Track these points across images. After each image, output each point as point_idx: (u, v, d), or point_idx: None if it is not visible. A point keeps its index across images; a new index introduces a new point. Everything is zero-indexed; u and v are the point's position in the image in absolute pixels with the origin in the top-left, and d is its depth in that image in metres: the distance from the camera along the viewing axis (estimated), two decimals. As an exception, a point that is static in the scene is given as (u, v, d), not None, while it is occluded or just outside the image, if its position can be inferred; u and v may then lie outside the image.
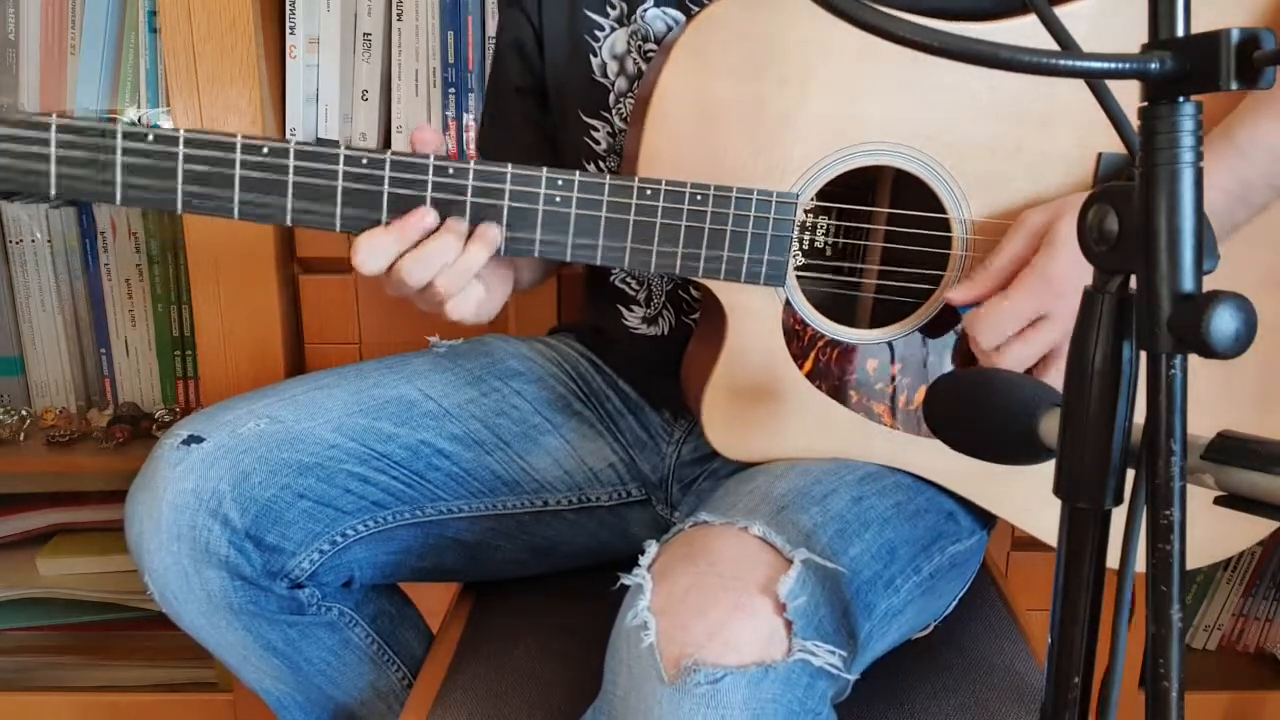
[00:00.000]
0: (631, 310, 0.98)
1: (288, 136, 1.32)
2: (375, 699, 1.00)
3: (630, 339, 0.99)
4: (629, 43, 0.90)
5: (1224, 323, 0.41)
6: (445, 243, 0.76)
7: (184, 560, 0.84)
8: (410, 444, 0.91)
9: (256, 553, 0.85)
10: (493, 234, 0.77)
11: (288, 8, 1.30)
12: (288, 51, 1.30)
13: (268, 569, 0.87)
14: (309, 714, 0.98)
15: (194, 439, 0.85)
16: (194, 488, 0.83)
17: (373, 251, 0.76)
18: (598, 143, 0.94)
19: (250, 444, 0.85)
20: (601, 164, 0.95)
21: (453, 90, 1.32)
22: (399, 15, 1.31)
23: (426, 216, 0.76)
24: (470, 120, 1.32)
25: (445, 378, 0.97)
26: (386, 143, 1.36)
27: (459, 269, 0.77)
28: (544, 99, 1.00)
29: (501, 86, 1.03)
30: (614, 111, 0.93)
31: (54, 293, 1.47)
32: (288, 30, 1.30)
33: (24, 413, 1.49)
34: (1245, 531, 0.89)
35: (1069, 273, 0.74)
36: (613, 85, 0.92)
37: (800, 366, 0.83)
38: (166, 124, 1.34)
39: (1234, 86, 0.40)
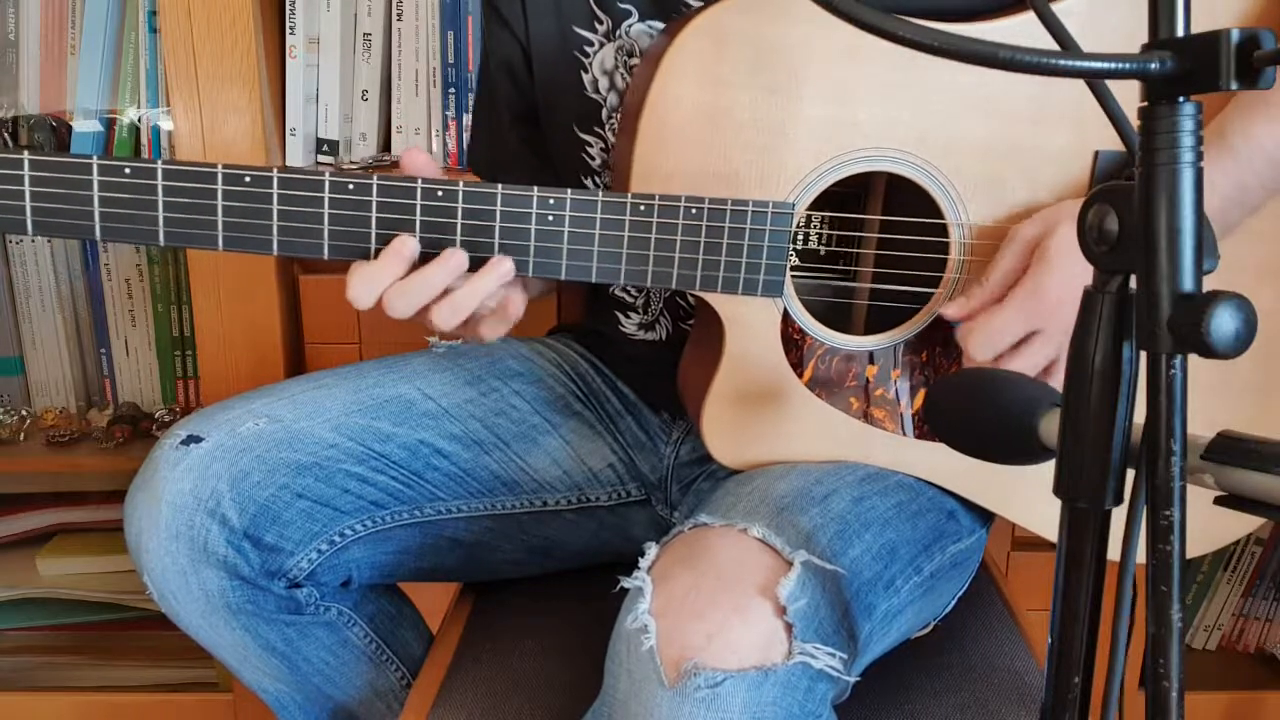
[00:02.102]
0: (629, 317, 0.98)
1: (288, 136, 1.32)
2: (374, 698, 1.00)
3: (628, 344, 0.99)
4: (616, 58, 0.89)
5: (1224, 323, 0.41)
6: (425, 277, 0.74)
7: (182, 560, 0.84)
8: (409, 444, 0.91)
9: (255, 552, 0.85)
10: (505, 267, 0.76)
11: (288, 8, 1.30)
12: (288, 51, 1.30)
13: (266, 568, 0.86)
14: (308, 714, 0.98)
15: (193, 439, 0.85)
16: (192, 488, 0.83)
17: (364, 283, 0.74)
18: (592, 158, 0.94)
19: (249, 443, 0.85)
20: (597, 179, 0.95)
21: (453, 90, 1.32)
22: (399, 15, 1.31)
23: (407, 245, 0.74)
24: (470, 120, 1.32)
25: (444, 378, 0.97)
26: (387, 143, 1.36)
27: (451, 303, 0.75)
28: (537, 119, 0.99)
29: (494, 108, 1.02)
30: (607, 127, 0.92)
31: (54, 293, 1.47)
32: (288, 30, 1.30)
33: (24, 413, 1.49)
34: (1238, 523, 0.89)
35: (1061, 288, 0.74)
36: (604, 101, 0.91)
37: (800, 375, 0.83)
38: (166, 124, 1.34)
39: (1234, 86, 0.40)
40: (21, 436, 1.47)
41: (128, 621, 1.60)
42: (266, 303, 1.30)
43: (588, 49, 0.90)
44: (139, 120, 1.35)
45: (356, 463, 0.89)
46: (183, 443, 0.84)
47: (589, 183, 0.95)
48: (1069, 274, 0.74)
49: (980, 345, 0.76)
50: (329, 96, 1.33)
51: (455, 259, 0.75)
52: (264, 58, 1.25)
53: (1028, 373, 0.76)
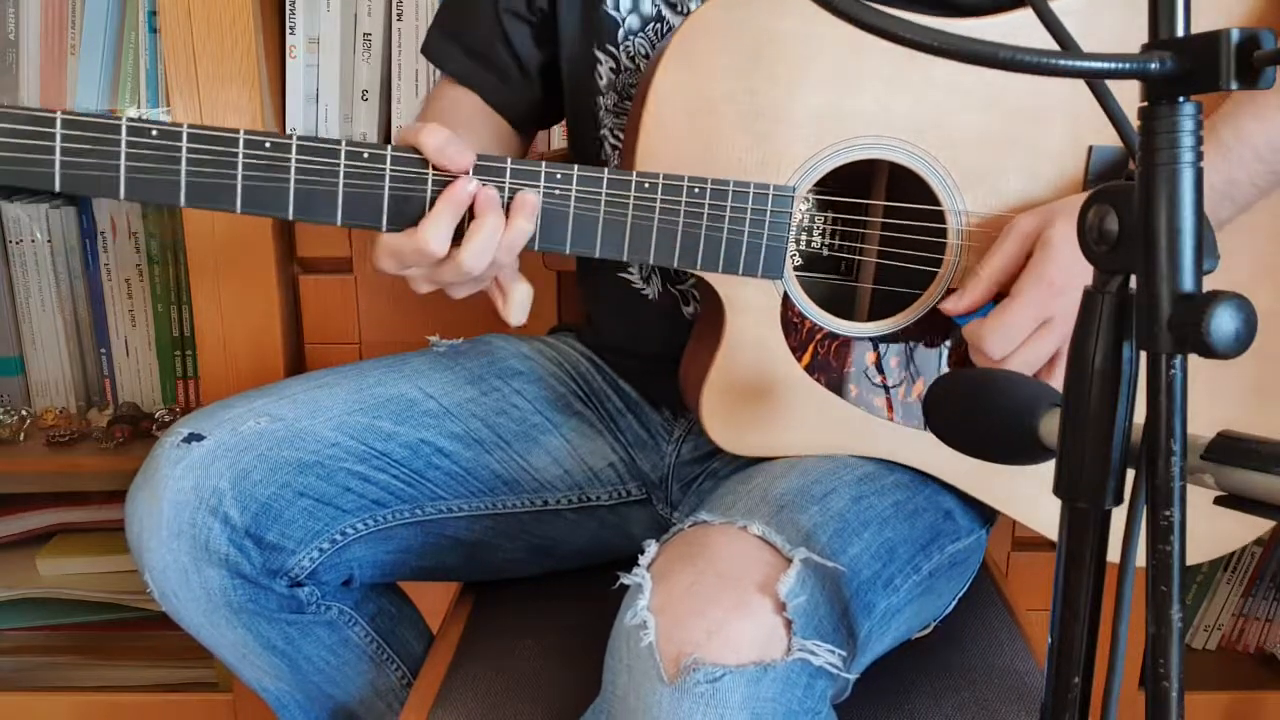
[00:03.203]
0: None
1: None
2: (374, 698, 1.00)
3: (620, 293, 0.99)
4: None
5: (1224, 323, 0.41)
6: (488, 223, 0.75)
7: (184, 558, 0.84)
8: (410, 442, 0.92)
9: (256, 551, 0.85)
10: (530, 200, 0.76)
11: (288, 8, 1.30)
12: (288, 51, 1.30)
13: (267, 567, 0.87)
14: (308, 713, 0.98)
15: (194, 437, 0.85)
16: (194, 486, 0.83)
17: (436, 231, 0.74)
18: (600, 77, 0.94)
19: (250, 442, 0.85)
20: (601, 99, 0.95)
21: (453, 90, 1.32)
22: (399, 15, 1.31)
23: (469, 184, 0.75)
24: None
25: (445, 377, 0.97)
26: (387, 143, 1.35)
27: (509, 242, 0.76)
28: (535, 31, 0.98)
29: (483, 5, 0.99)
30: (621, 48, 0.92)
31: (54, 293, 1.47)
32: (288, 30, 1.30)
33: (24, 413, 1.49)
34: (1243, 528, 0.89)
35: (1066, 272, 0.75)
36: (623, 21, 0.91)
37: (799, 360, 0.83)
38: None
39: (1234, 86, 0.40)
40: (21, 436, 1.47)
41: (128, 621, 1.60)
42: (266, 303, 1.30)
43: None
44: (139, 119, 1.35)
45: (358, 461, 0.89)
46: (184, 441, 0.85)
47: (596, 102, 0.95)
48: (1072, 262, 0.75)
49: (999, 344, 0.76)
50: (329, 96, 1.33)
51: (493, 192, 0.75)
52: (264, 58, 1.25)
53: (1038, 359, 0.76)
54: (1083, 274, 0.48)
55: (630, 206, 0.78)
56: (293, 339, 1.36)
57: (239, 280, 1.29)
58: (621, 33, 0.92)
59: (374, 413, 0.91)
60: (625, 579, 0.71)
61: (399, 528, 0.93)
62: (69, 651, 1.59)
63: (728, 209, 0.79)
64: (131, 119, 0.73)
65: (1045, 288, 0.75)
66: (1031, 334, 0.77)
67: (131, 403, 1.51)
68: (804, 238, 0.92)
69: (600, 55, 0.93)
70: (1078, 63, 0.42)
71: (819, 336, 0.83)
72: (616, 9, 0.92)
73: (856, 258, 0.90)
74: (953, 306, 0.80)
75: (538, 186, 0.77)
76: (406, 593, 1.07)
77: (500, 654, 0.94)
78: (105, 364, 1.50)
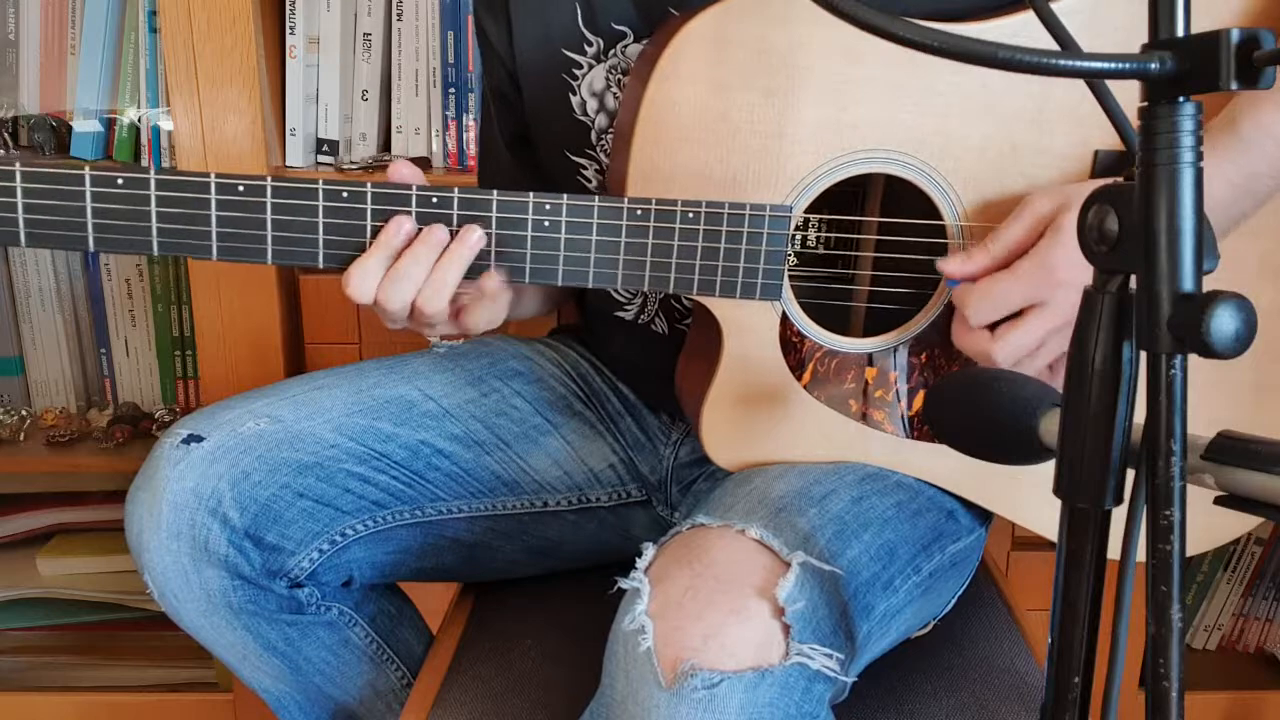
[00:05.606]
0: (626, 310, 0.98)
1: (288, 136, 1.32)
2: (374, 698, 1.00)
3: (627, 338, 0.99)
4: (608, 78, 0.89)
5: (1224, 323, 0.41)
6: (415, 255, 0.74)
7: (183, 559, 0.84)
8: (410, 444, 0.91)
9: (256, 552, 0.85)
10: (474, 238, 0.76)
11: (288, 8, 1.30)
12: (288, 51, 1.30)
13: (267, 568, 0.87)
14: (308, 713, 0.98)
15: (194, 438, 0.85)
16: (194, 487, 0.83)
17: (363, 276, 0.74)
18: (589, 180, 0.93)
19: (250, 443, 0.85)
20: None
21: (453, 90, 1.32)
22: (399, 15, 1.31)
23: (405, 224, 0.74)
24: (470, 120, 1.32)
25: (445, 378, 0.97)
26: (387, 143, 1.36)
27: (436, 281, 0.75)
28: (529, 140, 0.99)
29: (491, 130, 1.02)
30: (599, 148, 0.91)
31: (54, 293, 1.47)
32: (288, 30, 1.30)
33: (24, 413, 1.49)
34: (1238, 521, 0.89)
35: (1070, 266, 0.73)
36: (593, 123, 0.91)
37: (799, 378, 0.83)
38: (166, 124, 1.34)
39: (1234, 86, 0.40)
40: (21, 436, 1.47)
41: (128, 621, 1.60)
42: (266, 303, 1.30)
43: (576, 71, 0.90)
44: (139, 120, 1.35)
45: (358, 463, 0.89)
46: (184, 442, 0.85)
47: None
48: (1080, 255, 0.73)
49: (979, 308, 0.75)
50: (329, 96, 1.33)
51: (437, 233, 0.75)
52: (264, 58, 1.25)
53: (1027, 344, 0.75)
54: (1087, 268, 0.48)
55: (623, 233, 0.77)
56: (293, 339, 1.36)
57: (239, 280, 1.29)
58: (594, 134, 0.91)
59: (373, 414, 0.91)
60: (623, 583, 0.71)
61: (399, 529, 0.93)
62: (69, 651, 1.59)
63: (723, 232, 0.77)
64: (95, 168, 0.70)
65: (1045, 272, 0.73)
66: (1021, 318, 0.75)
67: (131, 403, 1.51)
68: (802, 249, 0.91)
69: (580, 160, 0.93)
70: (1077, 63, 0.42)
71: (819, 354, 0.83)
72: (585, 114, 0.91)
73: (855, 271, 0.90)
74: (952, 269, 0.77)
75: (525, 218, 0.76)
76: (406, 593, 1.07)
77: (500, 654, 0.94)
78: (105, 364, 1.50)
